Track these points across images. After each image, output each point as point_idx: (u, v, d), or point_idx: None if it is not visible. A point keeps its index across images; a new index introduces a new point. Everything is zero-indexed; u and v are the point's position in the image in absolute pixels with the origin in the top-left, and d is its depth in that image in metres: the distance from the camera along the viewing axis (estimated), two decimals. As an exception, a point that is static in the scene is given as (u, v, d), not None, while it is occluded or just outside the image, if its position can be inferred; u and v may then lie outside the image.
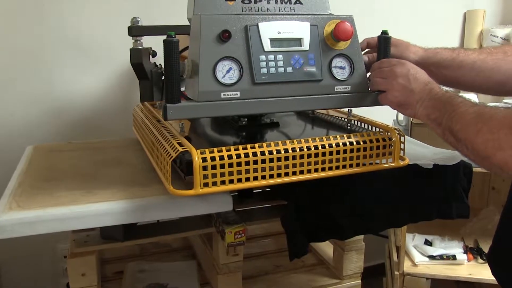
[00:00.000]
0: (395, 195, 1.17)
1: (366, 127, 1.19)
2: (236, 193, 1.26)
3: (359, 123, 1.22)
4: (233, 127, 1.20)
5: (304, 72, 1.04)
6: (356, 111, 1.25)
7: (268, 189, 1.31)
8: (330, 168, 1.05)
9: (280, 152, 1.01)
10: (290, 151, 1.02)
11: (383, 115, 1.44)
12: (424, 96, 0.97)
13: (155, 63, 1.49)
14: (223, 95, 0.99)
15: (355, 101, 1.09)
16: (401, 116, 1.94)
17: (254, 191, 1.29)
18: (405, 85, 1.00)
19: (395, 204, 1.17)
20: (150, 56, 1.49)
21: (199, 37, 0.99)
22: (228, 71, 0.98)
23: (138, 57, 1.40)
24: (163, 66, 1.61)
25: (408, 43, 1.16)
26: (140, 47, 1.41)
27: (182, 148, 0.98)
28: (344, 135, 1.08)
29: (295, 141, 1.03)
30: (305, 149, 1.03)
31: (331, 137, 1.06)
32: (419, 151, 1.30)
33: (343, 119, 1.27)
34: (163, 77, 1.39)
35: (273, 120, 1.23)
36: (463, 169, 1.19)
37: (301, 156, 1.03)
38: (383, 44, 1.09)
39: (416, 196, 1.18)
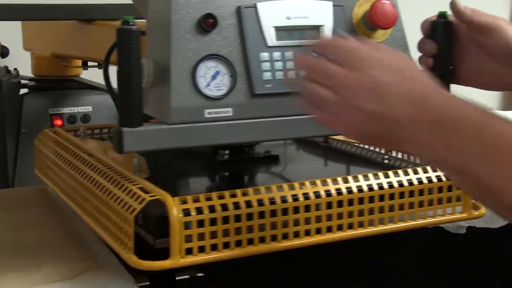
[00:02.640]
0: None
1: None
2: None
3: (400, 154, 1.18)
4: (208, 164, 1.15)
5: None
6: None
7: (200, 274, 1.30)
8: (374, 222, 0.98)
9: (297, 200, 0.93)
10: (313, 196, 0.94)
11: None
12: (420, 125, 0.74)
13: (6, 67, 1.39)
14: (208, 113, 0.95)
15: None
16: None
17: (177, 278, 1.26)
18: (373, 110, 0.75)
19: None
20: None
21: (169, 26, 0.93)
22: (214, 77, 0.95)
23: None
24: (18, 72, 1.66)
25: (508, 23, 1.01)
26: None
27: (150, 196, 0.88)
28: (389, 173, 1.00)
29: (318, 182, 0.96)
30: (334, 193, 0.95)
31: (380, 174, 0.99)
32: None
33: (373, 149, 1.23)
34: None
35: (270, 152, 1.17)
36: None
37: (328, 205, 0.95)
38: (440, 33, 1.02)
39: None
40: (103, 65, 1.05)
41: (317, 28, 0.99)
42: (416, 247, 1.07)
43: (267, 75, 0.97)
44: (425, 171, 1.02)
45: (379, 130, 0.75)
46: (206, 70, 0.94)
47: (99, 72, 1.69)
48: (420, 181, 1.00)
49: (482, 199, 0.76)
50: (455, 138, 0.70)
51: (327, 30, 0.99)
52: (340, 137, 1.29)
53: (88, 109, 1.67)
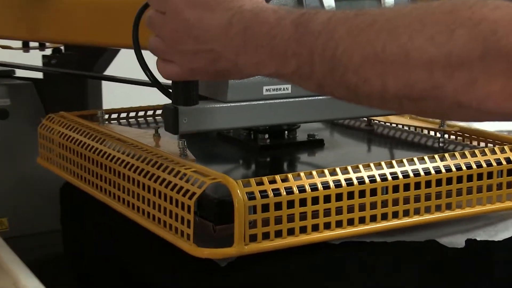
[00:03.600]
0: None
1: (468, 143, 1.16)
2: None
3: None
4: (250, 149, 1.15)
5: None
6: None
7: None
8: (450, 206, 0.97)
9: (374, 181, 0.93)
10: (390, 178, 0.94)
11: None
12: (236, 30, 0.76)
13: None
14: (267, 90, 0.95)
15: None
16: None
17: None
18: (185, 29, 0.80)
19: None
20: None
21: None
22: None
23: None
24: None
25: None
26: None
27: (211, 179, 0.88)
28: (456, 153, 1.01)
29: (394, 162, 0.96)
30: (412, 175, 0.96)
31: (457, 154, 1.00)
32: None
33: (422, 132, 1.23)
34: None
35: (314, 137, 1.17)
36: None
37: (406, 187, 0.95)
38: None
39: None
40: (133, 32, 0.93)
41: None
42: (406, 265, 1.01)
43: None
44: (484, 154, 1.03)
45: (211, 65, 0.80)
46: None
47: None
48: (491, 163, 1.01)
49: (351, 96, 0.71)
50: (288, 30, 0.72)
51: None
52: (384, 119, 1.30)
53: (5, 102, 1.46)
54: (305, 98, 0.96)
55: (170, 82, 0.90)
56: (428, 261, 1.00)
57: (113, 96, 1.69)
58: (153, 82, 0.93)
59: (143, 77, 0.95)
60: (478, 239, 1.01)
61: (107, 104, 1.53)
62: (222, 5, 0.77)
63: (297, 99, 0.96)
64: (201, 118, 0.92)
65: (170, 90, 0.92)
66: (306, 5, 0.94)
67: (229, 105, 0.94)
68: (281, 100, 0.96)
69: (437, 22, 0.61)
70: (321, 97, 0.97)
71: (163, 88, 0.94)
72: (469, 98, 0.60)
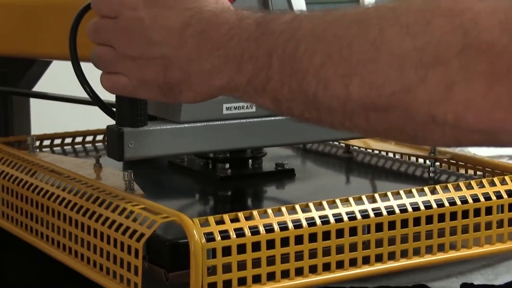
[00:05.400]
0: None
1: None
2: None
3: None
4: (208, 180, 1.17)
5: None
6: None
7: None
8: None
9: (354, 218, 0.95)
10: (372, 215, 0.96)
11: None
12: (192, 31, 0.79)
13: None
14: (227, 109, 0.97)
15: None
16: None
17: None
18: (138, 30, 0.82)
19: None
20: None
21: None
22: None
23: None
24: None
25: None
26: None
27: (162, 218, 0.88)
28: (449, 185, 1.02)
29: (376, 196, 0.97)
30: (398, 211, 0.97)
31: (450, 186, 1.02)
32: None
33: (409, 159, 1.27)
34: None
35: (284, 166, 1.18)
36: None
37: (391, 225, 0.97)
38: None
39: None
40: (70, 40, 0.95)
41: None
42: None
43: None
44: (481, 185, 1.04)
45: (162, 74, 0.81)
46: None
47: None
48: (490, 197, 1.03)
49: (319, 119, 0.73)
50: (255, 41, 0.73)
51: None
52: (365, 145, 1.32)
53: None
54: (271, 118, 0.98)
55: (113, 99, 0.91)
56: None
57: (43, 119, 1.69)
58: (94, 99, 0.94)
59: (81, 93, 0.95)
60: (476, 283, 1.03)
61: (37, 129, 1.53)
62: (182, 4, 0.79)
63: (262, 119, 0.98)
64: (150, 142, 0.93)
65: (114, 109, 0.93)
66: (272, 8, 0.97)
67: (183, 126, 0.95)
68: (244, 121, 0.97)
69: (413, 12, 0.61)
70: (287, 118, 0.97)
71: (105, 106, 0.95)
72: (445, 109, 0.59)
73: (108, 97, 0.95)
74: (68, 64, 0.94)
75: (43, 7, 1.22)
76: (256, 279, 0.89)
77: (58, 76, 1.58)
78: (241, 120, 0.97)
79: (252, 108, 0.98)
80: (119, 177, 1.04)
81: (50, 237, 1.03)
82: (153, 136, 0.94)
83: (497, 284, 1.03)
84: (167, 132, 0.95)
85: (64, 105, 1.37)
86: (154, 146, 0.94)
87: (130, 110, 0.91)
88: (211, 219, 0.88)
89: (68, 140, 1.34)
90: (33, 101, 1.61)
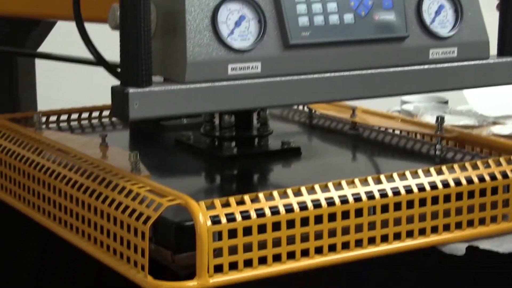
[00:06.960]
0: None
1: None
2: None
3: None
4: (210, 160, 1.18)
5: (376, 23, 1.05)
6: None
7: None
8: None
9: (360, 199, 0.96)
10: (378, 196, 0.97)
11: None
12: None
13: None
14: (232, 68, 0.96)
15: (469, 77, 1.10)
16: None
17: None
18: None
19: None
20: None
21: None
22: (238, 24, 0.97)
23: None
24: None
25: None
26: None
27: (168, 201, 0.89)
28: (455, 165, 1.03)
29: (382, 177, 0.98)
30: (404, 192, 0.98)
31: (456, 166, 1.03)
32: None
33: (415, 137, 1.27)
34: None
35: (290, 144, 1.19)
36: None
37: (397, 206, 0.98)
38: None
39: None
40: (74, 1, 0.96)
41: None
42: (407, 273, 1.07)
43: (304, 21, 0.98)
44: (487, 165, 1.05)
45: None
46: (229, 15, 0.95)
47: None
48: (495, 177, 1.04)
49: None
50: None
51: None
52: (372, 123, 1.33)
53: None
54: (277, 79, 0.98)
55: (117, 60, 0.91)
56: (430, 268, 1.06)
57: (49, 93, 1.69)
58: (98, 60, 0.94)
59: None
60: (481, 247, 1.04)
61: (42, 104, 1.53)
62: None
63: (267, 80, 0.97)
64: (155, 102, 0.92)
65: (118, 69, 0.92)
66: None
67: (188, 86, 0.94)
68: (249, 81, 0.97)
69: None
70: (294, 78, 0.98)
71: (109, 67, 0.95)
72: None
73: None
74: (72, 25, 0.94)
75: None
76: (262, 260, 0.90)
77: (61, 37, 1.58)
78: (246, 81, 0.97)
79: (257, 68, 0.98)
80: (125, 157, 1.04)
81: (57, 216, 1.05)
82: (158, 96, 0.93)
83: (501, 252, 1.05)
84: (172, 93, 0.93)
85: (70, 80, 1.37)
86: (159, 106, 0.93)
87: (134, 70, 0.91)
88: (217, 202, 0.89)
89: (74, 116, 1.34)
90: (39, 76, 1.61)
